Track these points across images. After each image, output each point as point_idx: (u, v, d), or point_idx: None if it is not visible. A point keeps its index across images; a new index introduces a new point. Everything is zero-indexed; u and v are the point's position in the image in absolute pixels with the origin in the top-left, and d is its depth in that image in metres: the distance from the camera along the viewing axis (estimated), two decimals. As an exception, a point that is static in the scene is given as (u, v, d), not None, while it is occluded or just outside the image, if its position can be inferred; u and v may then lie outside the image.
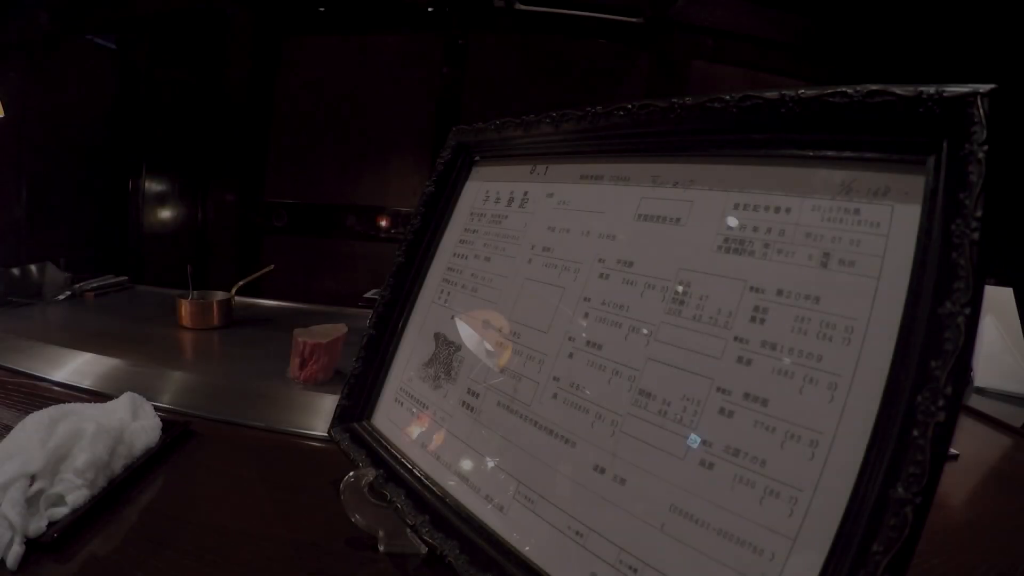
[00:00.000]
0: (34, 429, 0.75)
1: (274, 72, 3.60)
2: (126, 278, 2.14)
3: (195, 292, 1.65)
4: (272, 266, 1.73)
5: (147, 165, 3.20)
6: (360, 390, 0.75)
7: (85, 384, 1.10)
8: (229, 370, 1.27)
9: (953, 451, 1.02)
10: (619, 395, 0.50)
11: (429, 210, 0.76)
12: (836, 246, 0.43)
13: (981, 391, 1.43)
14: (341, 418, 0.74)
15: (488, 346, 0.63)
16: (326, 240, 3.58)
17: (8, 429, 0.91)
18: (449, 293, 0.71)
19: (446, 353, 0.67)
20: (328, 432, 0.74)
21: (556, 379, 0.55)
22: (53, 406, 0.82)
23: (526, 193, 0.67)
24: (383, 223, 3.48)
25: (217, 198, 3.64)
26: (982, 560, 0.71)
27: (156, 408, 0.92)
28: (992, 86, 0.38)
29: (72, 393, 1.08)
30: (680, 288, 0.49)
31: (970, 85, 0.38)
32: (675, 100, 0.53)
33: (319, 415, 0.98)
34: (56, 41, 2.92)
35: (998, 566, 0.69)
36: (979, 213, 0.36)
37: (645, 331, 0.50)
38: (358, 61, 3.46)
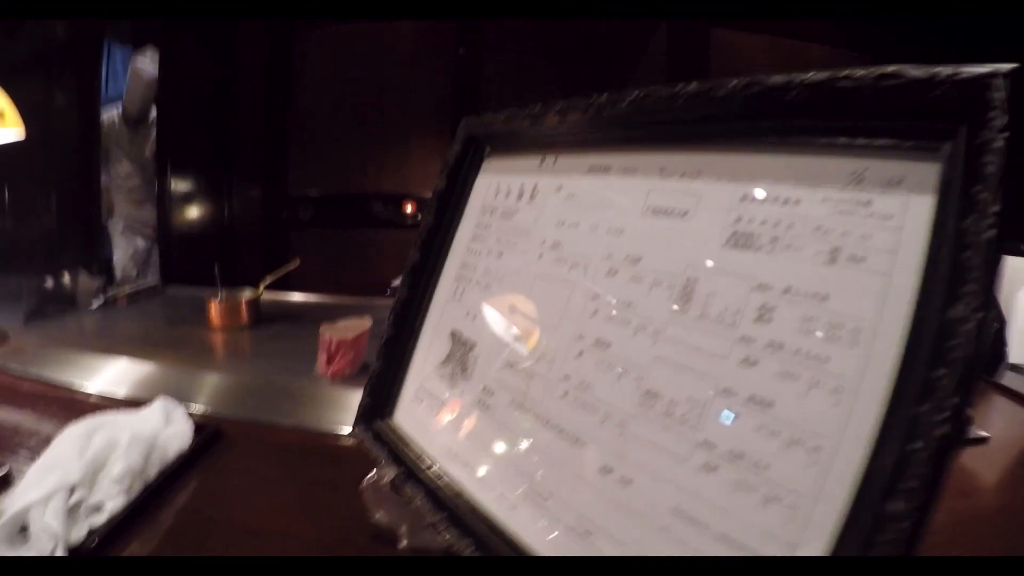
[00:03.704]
0: (71, 442, 0.80)
1: (289, 64, 3.64)
2: (158, 281, 2.21)
3: (224, 291, 1.70)
4: (298, 261, 1.77)
5: (172, 165, 3.28)
6: (381, 389, 0.77)
7: (121, 392, 1.15)
8: (258, 369, 1.31)
9: (983, 433, 1.00)
10: (626, 395, 0.51)
11: (442, 206, 0.78)
12: (846, 241, 0.42)
13: (1016, 368, 1.39)
14: (364, 417, 0.76)
15: (501, 344, 0.64)
16: (353, 230, 3.61)
17: (47, 440, 0.96)
18: (464, 291, 0.72)
19: (461, 351, 0.69)
20: (351, 431, 0.77)
21: (566, 378, 0.56)
22: (89, 417, 0.87)
23: (536, 186, 0.68)
24: (408, 209, 3.51)
25: (242, 194, 3.70)
26: (1009, 550, 0.69)
27: (188, 411, 0.96)
28: (1014, 66, 0.36)
29: (109, 401, 1.13)
30: (687, 285, 0.50)
31: (990, 65, 0.37)
32: (679, 87, 0.53)
33: (347, 411, 1.01)
34: (73, 52, 3.00)
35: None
36: (996, 208, 0.35)
37: (652, 330, 0.51)
38: (372, 48, 3.47)
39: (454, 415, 0.67)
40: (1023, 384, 1.29)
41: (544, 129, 0.67)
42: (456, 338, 0.70)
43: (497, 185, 0.74)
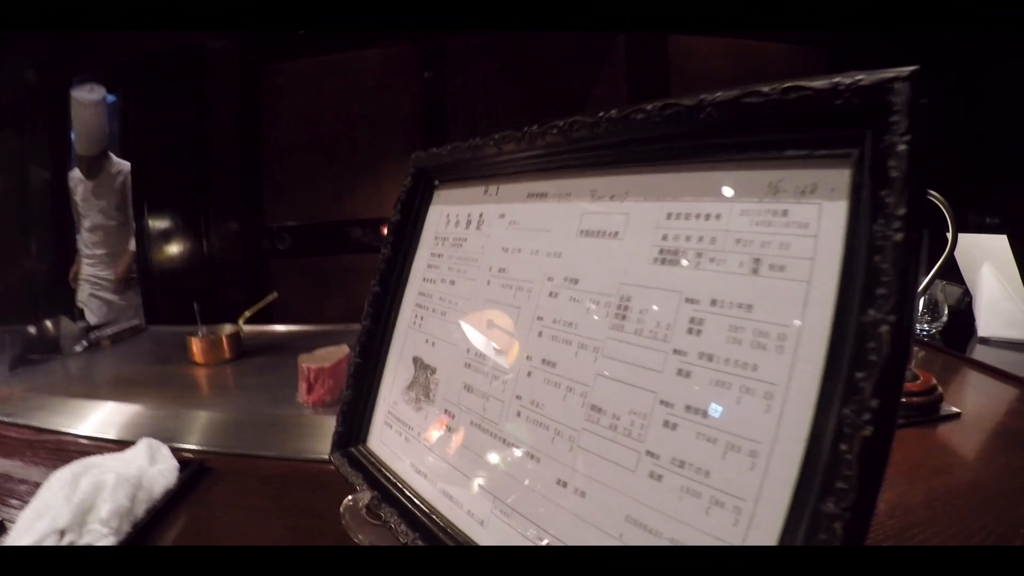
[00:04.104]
0: (59, 486, 0.78)
1: (259, 98, 3.61)
2: (139, 322, 2.18)
3: (204, 327, 1.68)
4: (275, 294, 1.75)
5: (148, 205, 3.25)
6: (353, 416, 0.76)
7: (109, 435, 1.13)
8: (241, 402, 1.30)
9: (955, 409, 0.99)
10: (574, 411, 0.50)
11: (398, 238, 0.77)
12: (766, 251, 0.42)
13: (985, 341, 1.40)
14: (339, 444, 0.76)
15: (459, 367, 0.64)
16: (332, 257, 3.59)
17: (37, 486, 0.94)
18: (422, 318, 0.72)
19: (424, 376, 0.68)
20: (328, 458, 0.76)
21: (519, 397, 0.55)
22: (75, 462, 0.85)
23: (481, 215, 0.67)
24: (385, 232, 3.47)
25: (220, 229, 3.67)
26: (982, 526, 0.68)
27: (174, 449, 0.95)
28: (914, 68, 0.36)
29: (98, 444, 1.10)
30: (621, 303, 0.50)
31: (893, 69, 0.36)
32: (602, 113, 0.52)
33: (327, 438, 0.99)
34: (43, 99, 2.99)
35: (997, 531, 0.67)
36: (902, 211, 0.34)
37: (592, 347, 0.50)
38: (340, 78, 3.46)
39: (420, 437, 0.66)
40: (992, 357, 1.29)
41: (485, 159, 0.67)
42: (418, 364, 0.70)
43: (447, 215, 0.73)
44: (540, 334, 0.55)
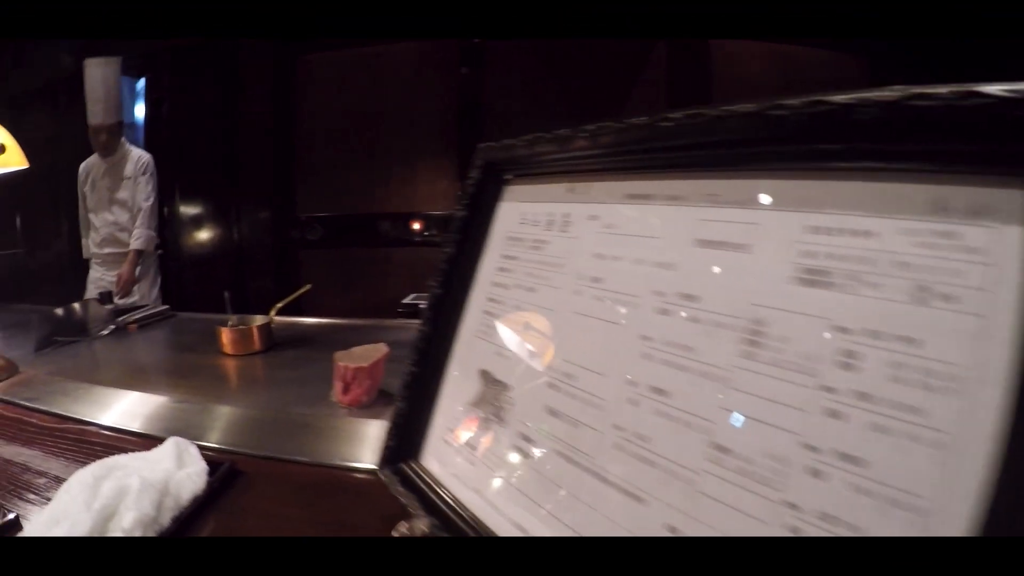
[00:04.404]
0: (79, 490, 0.73)
1: (293, 88, 3.60)
2: (167, 307, 2.12)
3: (234, 317, 1.62)
4: (309, 286, 1.69)
5: (180, 191, 3.20)
6: (406, 430, 0.69)
7: (133, 427, 1.08)
8: (272, 398, 1.24)
9: None
10: (692, 449, 0.44)
11: (463, 236, 0.70)
12: (933, 278, 0.36)
13: None
14: (389, 459, 0.69)
15: (540, 387, 0.57)
16: (361, 249, 3.60)
17: (57, 480, 0.89)
18: (493, 327, 0.65)
19: (493, 392, 0.61)
20: (377, 473, 0.69)
21: (619, 428, 0.49)
22: (96, 462, 0.79)
23: (567, 215, 0.60)
24: (416, 227, 3.47)
25: (250, 217, 3.67)
26: None
27: (202, 447, 0.89)
28: None
29: (121, 436, 1.06)
30: (753, 327, 0.43)
31: None
32: (729, 107, 0.45)
33: (365, 443, 0.94)
34: (79, 83, 2.93)
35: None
36: None
37: (717, 377, 0.44)
38: (375, 70, 3.46)
39: (490, 461, 0.60)
40: None
41: (572, 153, 0.60)
42: (487, 378, 0.63)
43: (522, 214, 0.66)
44: (648, 357, 0.48)
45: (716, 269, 0.46)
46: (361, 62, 3.46)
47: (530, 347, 0.59)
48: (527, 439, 0.56)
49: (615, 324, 0.52)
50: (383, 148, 3.53)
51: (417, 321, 1.78)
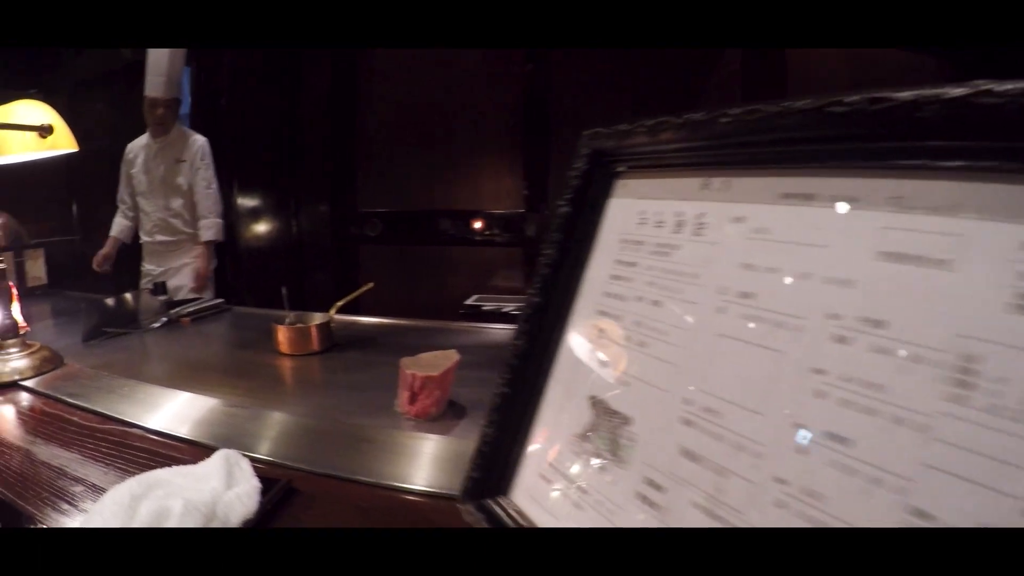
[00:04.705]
0: (113, 511, 0.67)
1: (354, 81, 3.61)
2: (222, 300, 2.10)
3: (292, 314, 1.57)
4: (371, 284, 1.63)
5: (238, 183, 3.20)
6: (494, 460, 0.62)
7: (180, 432, 1.04)
8: (332, 405, 1.18)
9: None
10: (882, 513, 0.36)
11: (566, 236, 0.62)
12: None
13: None
14: (473, 492, 0.62)
15: (672, 423, 0.48)
16: (421, 247, 3.59)
17: (94, 489, 0.84)
18: (606, 346, 0.57)
19: (609, 426, 0.53)
20: (458, 506, 0.62)
21: (780, 481, 0.40)
22: (134, 478, 0.74)
23: (701, 215, 0.52)
24: (477, 225, 3.44)
25: (310, 211, 3.69)
26: None
27: (254, 460, 0.84)
28: None
29: (166, 442, 1.02)
30: (962, 364, 0.34)
31: None
32: (923, 93, 0.37)
33: (435, 463, 0.88)
34: (138, 71, 2.95)
35: None
36: None
37: (916, 424, 0.35)
38: (438, 64, 3.45)
39: (603, 507, 0.52)
40: None
41: (707, 141, 0.51)
42: (600, 407, 0.55)
43: (640, 212, 0.58)
44: (821, 394, 0.40)
45: (909, 290, 0.38)
46: (424, 55, 3.45)
47: (657, 373, 0.51)
48: (654, 485, 0.48)
49: (774, 351, 0.43)
50: (446, 143, 3.51)
51: (481, 325, 1.72)
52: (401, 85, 3.57)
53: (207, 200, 3.04)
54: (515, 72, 3.37)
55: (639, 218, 0.58)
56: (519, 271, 3.45)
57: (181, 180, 3.02)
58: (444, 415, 1.04)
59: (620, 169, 0.62)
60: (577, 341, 0.60)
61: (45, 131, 1.33)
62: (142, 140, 3.07)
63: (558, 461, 0.58)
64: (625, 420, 0.52)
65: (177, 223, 3.06)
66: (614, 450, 0.52)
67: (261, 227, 3.80)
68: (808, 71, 2.91)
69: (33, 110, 1.37)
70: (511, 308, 2.88)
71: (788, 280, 0.44)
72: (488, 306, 2.96)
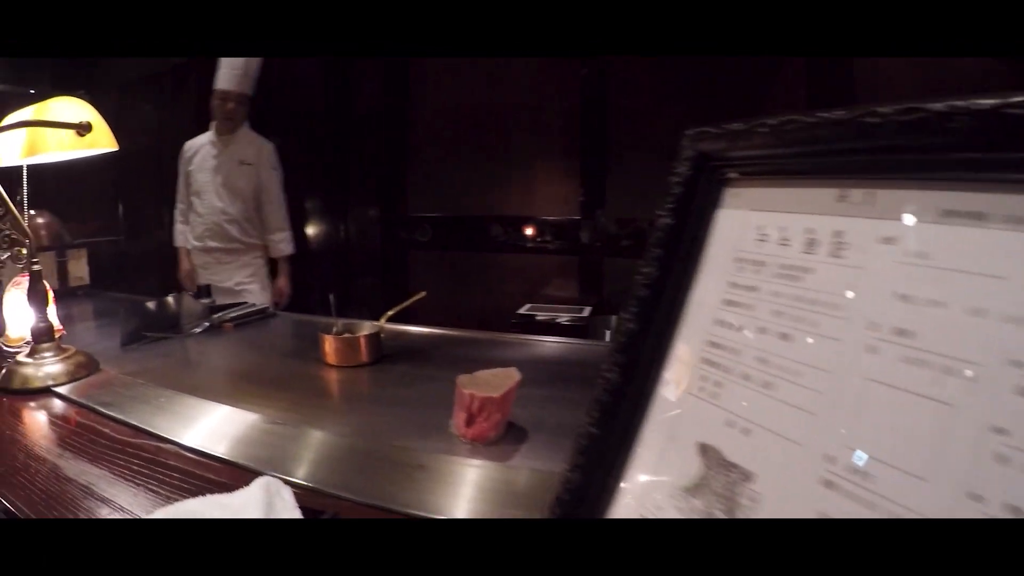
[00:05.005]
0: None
1: (405, 84, 3.61)
2: (267, 306, 2.08)
3: (339, 323, 1.53)
4: (423, 293, 1.59)
5: (287, 185, 3.20)
6: (577, 509, 0.55)
7: (218, 450, 1.00)
8: (381, 425, 1.13)
9: None
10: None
11: (668, 253, 0.55)
12: None
13: None
14: (552, 543, 0.55)
15: (811, 484, 0.41)
16: (471, 253, 3.58)
17: (123, 513, 0.81)
18: (718, 383, 0.50)
19: (726, 480, 0.46)
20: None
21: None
22: (161, 511, 0.70)
23: (839, 234, 0.45)
24: (529, 232, 3.41)
25: (359, 214, 3.70)
26: None
27: (296, 487, 0.81)
28: None
29: (201, 461, 0.98)
30: None
31: None
32: None
33: (498, 497, 0.82)
34: (187, 72, 2.98)
35: None
36: None
37: None
38: (491, 66, 3.46)
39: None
40: None
41: (844, 144, 0.45)
42: (712, 457, 0.48)
43: (759, 226, 0.51)
44: (1002, 460, 0.33)
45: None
46: (478, 60, 3.44)
47: (789, 421, 0.44)
48: (785, 557, 0.42)
49: (942, 404, 0.36)
50: (498, 146, 3.50)
51: (536, 338, 1.67)
52: (454, 87, 3.58)
53: (280, 211, 2.96)
54: (571, 74, 3.34)
55: (758, 233, 0.51)
56: (573, 280, 3.40)
57: (243, 184, 2.91)
58: (503, 438, 0.99)
59: (731, 176, 0.55)
60: (682, 376, 0.53)
61: (83, 129, 1.31)
62: (203, 137, 2.95)
63: (659, 515, 0.51)
64: (746, 476, 0.45)
65: (232, 229, 2.93)
66: (731, 510, 0.45)
67: (309, 230, 3.83)
68: (876, 77, 2.80)
69: (71, 107, 1.35)
70: (566, 319, 2.84)
71: (957, 317, 0.37)
72: (542, 316, 2.92)
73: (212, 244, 2.96)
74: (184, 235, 3.04)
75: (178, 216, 3.07)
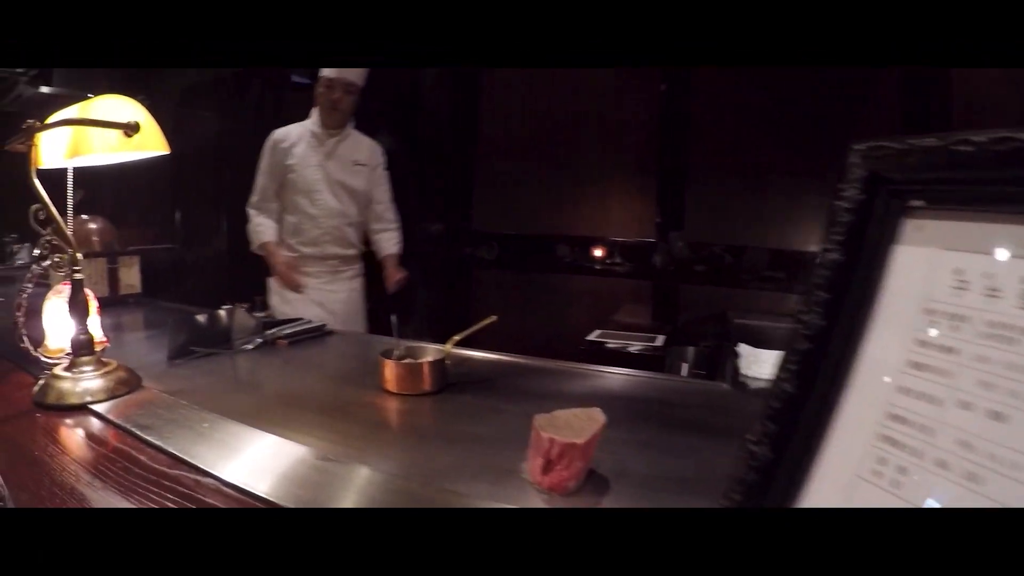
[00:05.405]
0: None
1: (475, 94, 3.59)
2: (323, 323, 2.02)
3: (402, 346, 1.46)
4: (494, 318, 1.51)
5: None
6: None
7: (259, 489, 0.93)
8: (446, 465, 1.03)
9: None
10: None
11: (837, 297, 0.46)
12: None
13: None
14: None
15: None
16: (539, 274, 3.54)
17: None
18: (902, 469, 0.41)
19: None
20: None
21: None
22: None
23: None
24: (597, 253, 3.34)
25: (423, 229, 3.68)
26: None
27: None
28: None
29: (242, 500, 0.92)
30: None
31: None
32: None
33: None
34: (249, 78, 2.98)
35: None
36: None
37: None
38: (566, 79, 3.42)
39: None
40: None
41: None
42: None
43: (956, 270, 0.42)
44: None
45: None
46: (551, 73, 3.40)
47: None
48: None
49: None
50: (570, 162, 3.44)
51: (611, 370, 1.58)
52: (526, 100, 3.53)
53: (391, 210, 2.84)
54: (650, 90, 3.27)
55: (955, 280, 0.41)
56: (644, 306, 3.31)
57: (359, 184, 2.74)
58: (582, 488, 0.91)
59: (915, 204, 0.45)
60: (851, 456, 0.44)
61: (131, 129, 1.24)
62: (301, 128, 2.68)
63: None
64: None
65: (351, 234, 2.76)
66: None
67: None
68: (975, 92, 2.66)
69: (119, 105, 1.30)
70: (638, 347, 2.75)
71: None
72: (612, 343, 2.83)
73: (332, 250, 2.75)
74: (271, 228, 2.73)
75: (257, 213, 2.75)
